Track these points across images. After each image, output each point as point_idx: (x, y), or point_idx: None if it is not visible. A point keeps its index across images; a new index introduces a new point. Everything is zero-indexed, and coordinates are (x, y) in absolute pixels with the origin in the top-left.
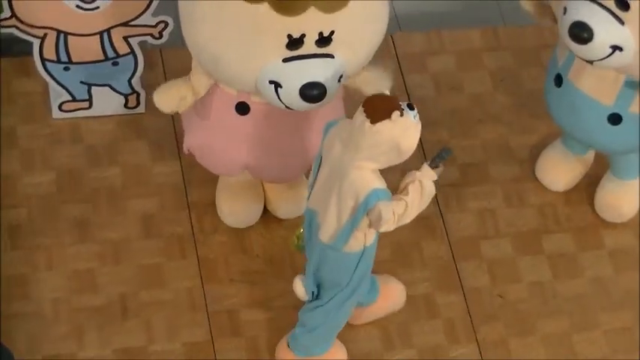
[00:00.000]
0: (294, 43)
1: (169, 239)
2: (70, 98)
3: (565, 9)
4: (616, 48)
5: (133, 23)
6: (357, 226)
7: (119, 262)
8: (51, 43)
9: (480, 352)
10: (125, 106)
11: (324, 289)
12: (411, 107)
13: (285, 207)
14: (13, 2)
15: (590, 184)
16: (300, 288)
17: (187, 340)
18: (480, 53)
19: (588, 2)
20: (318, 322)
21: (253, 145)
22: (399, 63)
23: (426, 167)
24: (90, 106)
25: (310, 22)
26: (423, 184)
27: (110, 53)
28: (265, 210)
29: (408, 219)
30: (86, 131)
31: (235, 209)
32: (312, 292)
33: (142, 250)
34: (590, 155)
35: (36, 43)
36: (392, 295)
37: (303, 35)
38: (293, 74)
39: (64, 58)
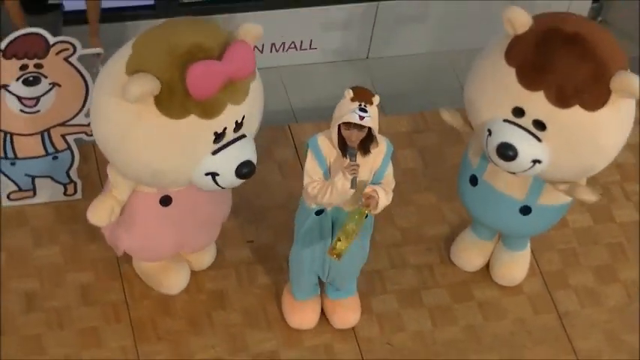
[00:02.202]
0: (219, 137)
1: (105, 306)
2: (16, 189)
3: (490, 131)
4: (536, 161)
5: (69, 123)
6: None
7: (63, 327)
8: None
9: None
10: (64, 194)
11: None
12: (363, 110)
13: (198, 260)
14: None
15: None
16: None
17: None
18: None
19: (511, 125)
20: None
21: (183, 227)
22: (295, 148)
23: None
24: (34, 195)
25: (228, 116)
26: (334, 181)
27: (50, 149)
28: None
29: (322, 197)
30: (31, 216)
31: (170, 280)
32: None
33: (82, 316)
34: (495, 238)
35: None
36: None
37: (225, 128)
38: (225, 162)
39: (10, 154)
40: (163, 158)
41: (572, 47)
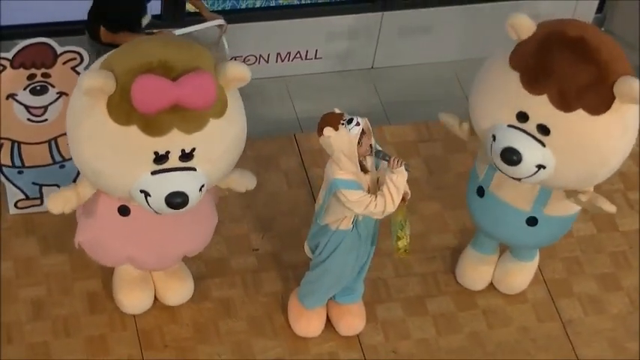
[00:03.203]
0: (160, 158)
1: (112, 314)
2: (24, 197)
3: (494, 136)
4: (540, 167)
5: None
6: (326, 203)
7: (70, 335)
8: (7, 151)
9: None
10: None
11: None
12: (349, 122)
13: (172, 296)
14: None
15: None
16: (306, 247)
17: None
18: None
19: (515, 130)
20: (308, 276)
21: (134, 242)
22: (301, 157)
23: (389, 168)
24: (41, 203)
25: (174, 141)
26: (392, 179)
27: (57, 158)
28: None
29: (380, 207)
30: (38, 224)
31: (130, 299)
32: (312, 251)
33: (89, 324)
34: (498, 251)
35: None
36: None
37: (168, 152)
38: (159, 185)
39: (18, 163)
40: (102, 159)
41: (575, 50)
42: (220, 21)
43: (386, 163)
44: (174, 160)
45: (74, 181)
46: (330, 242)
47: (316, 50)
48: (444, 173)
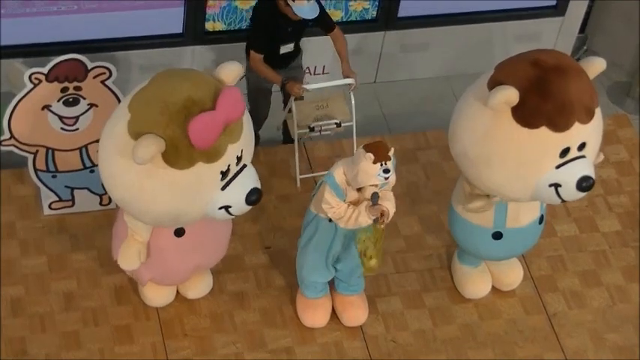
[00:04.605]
0: (225, 174)
1: (136, 305)
2: (57, 199)
3: (556, 184)
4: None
5: None
6: (316, 192)
7: (98, 324)
8: (41, 157)
9: None
10: (100, 203)
11: None
12: (386, 171)
13: (193, 290)
14: (12, 126)
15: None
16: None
17: None
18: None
19: (567, 165)
20: (297, 264)
21: (194, 254)
22: (309, 163)
23: (371, 206)
24: (73, 205)
25: (230, 155)
26: (361, 213)
27: (87, 163)
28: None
29: (341, 222)
30: (70, 224)
31: (154, 294)
32: None
33: (115, 314)
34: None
35: (30, 157)
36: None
37: (229, 165)
38: (235, 194)
39: (51, 168)
40: (178, 204)
41: (568, 74)
42: (351, 80)
43: (371, 196)
44: (233, 169)
45: (102, 185)
46: (309, 226)
47: (324, 66)
48: (440, 178)
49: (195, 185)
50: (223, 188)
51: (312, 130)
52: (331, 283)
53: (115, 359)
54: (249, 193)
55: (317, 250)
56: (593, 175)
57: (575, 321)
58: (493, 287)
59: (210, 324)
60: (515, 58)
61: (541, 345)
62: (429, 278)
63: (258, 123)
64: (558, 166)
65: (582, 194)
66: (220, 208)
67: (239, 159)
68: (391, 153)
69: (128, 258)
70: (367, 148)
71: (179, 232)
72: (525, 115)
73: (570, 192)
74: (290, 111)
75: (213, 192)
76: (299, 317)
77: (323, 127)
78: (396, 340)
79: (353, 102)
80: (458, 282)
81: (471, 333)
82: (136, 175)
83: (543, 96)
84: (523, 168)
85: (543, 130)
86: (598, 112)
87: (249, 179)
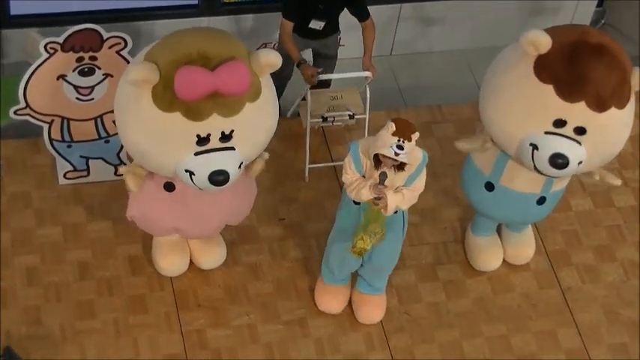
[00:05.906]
0: (202, 140)
1: (150, 276)
2: (72, 169)
3: (535, 145)
4: (579, 163)
5: None
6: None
7: (112, 294)
8: (57, 127)
9: (392, 356)
10: (115, 174)
11: None
12: (400, 147)
13: (206, 261)
14: (27, 95)
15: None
16: None
17: (166, 352)
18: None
19: (556, 137)
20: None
21: (180, 214)
22: (325, 137)
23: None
24: (88, 175)
25: (214, 124)
26: (364, 187)
27: (103, 133)
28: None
29: (350, 192)
30: (85, 194)
31: (167, 263)
32: None
33: (130, 284)
34: (495, 228)
35: (45, 127)
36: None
37: (209, 134)
38: (202, 165)
39: (67, 138)
40: (149, 142)
41: (602, 57)
42: (368, 74)
43: (379, 173)
44: (214, 142)
45: (117, 154)
46: (341, 203)
47: (339, 38)
48: (455, 152)
49: (166, 132)
50: (197, 154)
51: (325, 120)
52: (354, 275)
53: (130, 329)
54: (217, 171)
55: (343, 232)
56: (570, 157)
57: (589, 296)
58: (506, 262)
59: (224, 295)
60: (571, 24)
61: (554, 319)
62: (442, 251)
63: (281, 80)
64: (547, 133)
65: (554, 170)
66: (186, 171)
67: (225, 137)
68: (414, 136)
69: (131, 179)
70: (394, 120)
71: (169, 187)
72: (540, 66)
73: (543, 161)
74: (304, 99)
75: (184, 151)
76: (315, 299)
77: (336, 118)
78: (409, 312)
79: (368, 95)
80: (470, 253)
81: (484, 307)
82: (127, 95)
83: (565, 59)
84: (520, 115)
85: (549, 89)
86: (619, 118)
87: (224, 161)
